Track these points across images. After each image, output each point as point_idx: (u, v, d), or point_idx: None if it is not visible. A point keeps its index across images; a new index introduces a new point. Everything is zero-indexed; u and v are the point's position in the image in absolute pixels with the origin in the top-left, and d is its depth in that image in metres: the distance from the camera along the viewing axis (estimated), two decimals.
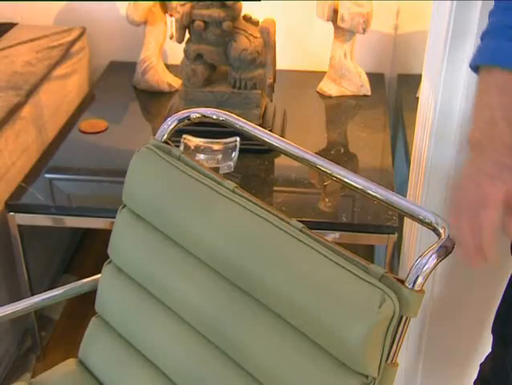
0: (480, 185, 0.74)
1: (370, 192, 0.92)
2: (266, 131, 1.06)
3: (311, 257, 0.86)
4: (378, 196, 0.91)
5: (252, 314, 0.90)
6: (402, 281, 0.80)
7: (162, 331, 1.01)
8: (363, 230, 1.41)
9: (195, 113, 1.11)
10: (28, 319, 1.59)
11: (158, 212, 1.02)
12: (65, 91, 1.81)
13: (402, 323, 0.79)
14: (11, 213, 1.43)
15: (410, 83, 1.90)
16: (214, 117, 1.11)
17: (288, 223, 0.92)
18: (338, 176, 0.96)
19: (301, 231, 0.90)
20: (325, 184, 1.54)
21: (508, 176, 0.73)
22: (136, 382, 1.03)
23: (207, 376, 0.95)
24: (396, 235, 1.39)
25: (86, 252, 2.01)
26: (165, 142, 1.08)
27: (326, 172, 0.98)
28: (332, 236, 1.40)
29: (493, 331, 1.05)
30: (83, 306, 1.77)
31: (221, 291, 0.94)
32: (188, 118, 1.10)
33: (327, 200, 1.48)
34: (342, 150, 1.65)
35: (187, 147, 1.55)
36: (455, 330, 1.37)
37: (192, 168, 1.03)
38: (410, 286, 0.79)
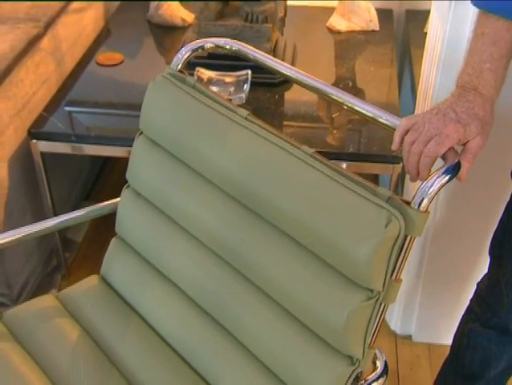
0: (445, 124, 0.77)
1: (380, 119, 0.90)
2: (277, 60, 1.03)
3: (321, 181, 0.85)
4: (388, 123, 0.89)
5: (263, 234, 0.90)
6: (408, 203, 0.79)
7: (178, 250, 1.02)
8: (370, 160, 1.39)
9: (209, 43, 1.08)
10: (53, 241, 1.61)
11: (173, 138, 1.01)
12: (82, 24, 1.77)
13: (407, 242, 0.79)
14: (34, 141, 1.42)
15: (418, 18, 1.84)
16: (227, 47, 1.08)
17: (299, 149, 0.90)
18: (348, 104, 0.94)
19: (311, 156, 0.89)
20: (333, 116, 1.51)
21: (475, 128, 0.77)
22: (153, 296, 1.04)
23: (220, 291, 0.96)
24: (401, 165, 1.38)
25: (105, 180, 2.01)
26: (180, 71, 1.06)
27: (337, 101, 0.96)
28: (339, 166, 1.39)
29: (490, 253, 1.06)
30: (105, 230, 1.80)
31: (234, 213, 0.94)
32: (202, 47, 1.07)
33: (334, 131, 1.46)
34: (350, 84, 1.62)
35: (200, 79, 1.52)
36: (455, 252, 1.37)
37: (206, 96, 1.01)
38: (416, 208, 0.78)
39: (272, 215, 0.89)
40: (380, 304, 0.81)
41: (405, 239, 0.79)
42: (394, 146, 0.83)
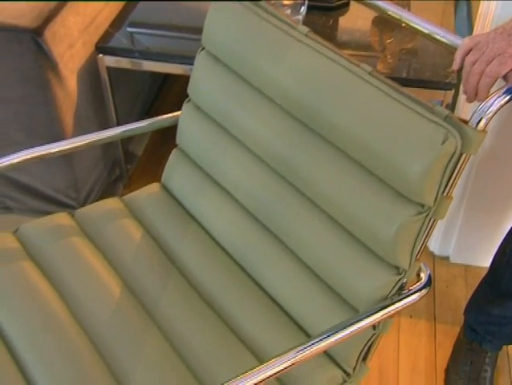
0: (510, 44, 0.71)
1: (441, 38, 0.84)
2: None
3: (379, 98, 0.81)
4: (449, 42, 0.83)
5: (317, 149, 0.88)
6: (465, 122, 0.75)
7: (234, 162, 1.01)
8: (422, 86, 1.33)
9: None
10: (116, 152, 1.63)
11: (235, 53, 0.97)
12: None
13: (462, 160, 0.75)
14: (100, 55, 1.41)
15: None
16: None
17: (358, 66, 0.86)
18: (407, 22, 0.88)
19: (370, 74, 0.85)
20: (387, 42, 1.44)
21: None
22: (210, 204, 1.05)
23: (273, 202, 0.95)
24: (453, 91, 1.31)
25: (163, 100, 2.00)
26: None
27: (395, 18, 0.90)
28: None
29: None
30: (163, 145, 1.80)
31: (290, 127, 0.92)
32: None
33: (388, 57, 1.39)
34: None
35: None
36: (501, 177, 1.32)
37: (267, 12, 0.96)
38: (473, 127, 0.74)
39: (328, 130, 0.86)
40: (430, 219, 0.79)
41: (460, 157, 0.75)
42: (455, 65, 0.78)
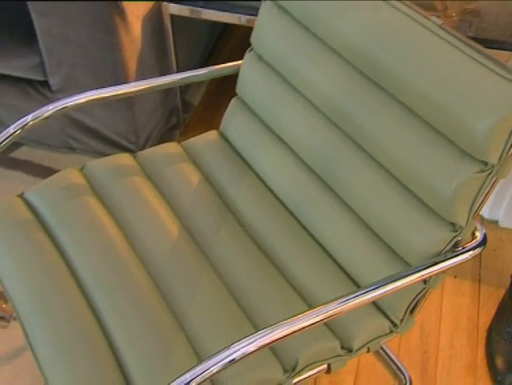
0: None
1: None
2: None
3: (448, 52, 0.77)
4: None
5: (380, 103, 0.85)
6: None
7: (294, 113, 0.99)
8: (486, 46, 1.25)
9: None
10: (174, 101, 1.62)
11: (300, 3, 0.94)
12: None
13: None
14: (165, 3, 1.39)
15: None
16: None
17: (428, 19, 0.81)
18: None
19: (440, 27, 0.80)
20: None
21: None
22: (267, 154, 1.03)
23: (331, 154, 0.93)
24: None
25: (221, 51, 1.97)
26: None
27: None
28: None
29: None
30: (218, 96, 1.79)
31: (354, 81, 0.88)
32: None
33: (453, 14, 1.32)
34: None
35: None
36: None
37: None
38: None
39: (391, 84, 0.82)
40: (492, 177, 0.76)
41: None
42: None
